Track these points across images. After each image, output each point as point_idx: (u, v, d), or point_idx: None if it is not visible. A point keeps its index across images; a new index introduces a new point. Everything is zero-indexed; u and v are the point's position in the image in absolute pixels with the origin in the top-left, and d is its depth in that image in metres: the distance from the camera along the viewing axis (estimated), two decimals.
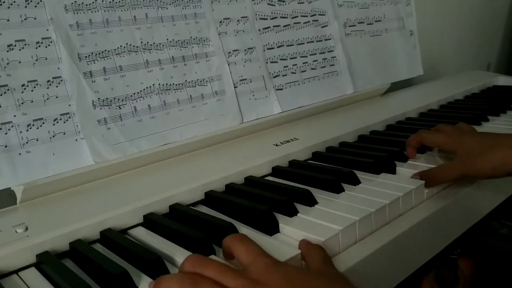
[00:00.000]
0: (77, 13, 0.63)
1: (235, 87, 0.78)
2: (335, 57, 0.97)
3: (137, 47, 0.68)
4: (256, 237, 0.45)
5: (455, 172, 0.59)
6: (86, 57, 0.63)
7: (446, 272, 0.86)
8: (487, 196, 0.66)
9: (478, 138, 0.61)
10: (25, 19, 0.59)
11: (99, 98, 0.63)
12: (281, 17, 0.88)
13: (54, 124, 0.60)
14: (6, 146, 0.56)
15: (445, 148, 0.65)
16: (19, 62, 0.58)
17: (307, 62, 0.91)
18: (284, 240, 0.48)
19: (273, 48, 0.86)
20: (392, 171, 0.63)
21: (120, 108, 0.65)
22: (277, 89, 0.85)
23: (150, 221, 0.53)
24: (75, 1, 0.63)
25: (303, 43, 0.91)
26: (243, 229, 0.49)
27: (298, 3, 0.92)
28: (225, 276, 0.37)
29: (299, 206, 0.53)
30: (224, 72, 0.77)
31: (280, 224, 0.50)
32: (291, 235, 0.48)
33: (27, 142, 0.57)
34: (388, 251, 0.49)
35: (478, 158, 0.58)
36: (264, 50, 0.84)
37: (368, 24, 1.06)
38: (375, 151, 0.68)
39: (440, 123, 0.83)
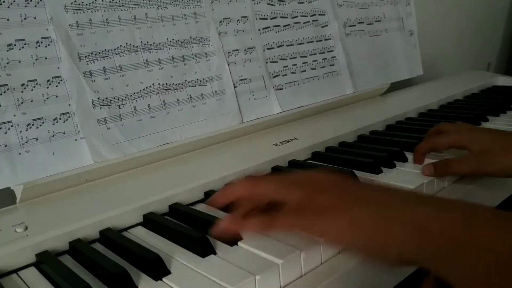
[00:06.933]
0: (77, 12, 0.63)
1: (235, 87, 0.78)
2: (335, 57, 0.97)
3: (137, 46, 0.68)
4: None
5: (468, 168, 0.60)
6: (86, 56, 0.63)
7: None
8: (487, 196, 0.66)
9: (492, 136, 0.61)
10: (25, 18, 0.59)
11: (98, 98, 0.63)
12: (281, 17, 0.88)
13: (53, 124, 0.60)
14: (5, 146, 0.56)
15: (458, 146, 0.64)
16: (19, 62, 0.58)
17: (307, 62, 0.91)
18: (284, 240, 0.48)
19: (273, 48, 0.86)
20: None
21: (119, 108, 0.65)
22: (277, 89, 0.85)
23: (150, 221, 0.53)
24: (75, 1, 0.63)
25: (303, 43, 0.91)
26: None
27: (298, 3, 0.92)
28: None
29: None
30: (224, 72, 0.77)
31: None
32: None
33: (26, 142, 0.57)
34: None
35: (493, 157, 0.58)
36: (264, 50, 0.84)
37: (368, 24, 1.06)
38: (375, 151, 0.68)
39: (440, 123, 0.83)
